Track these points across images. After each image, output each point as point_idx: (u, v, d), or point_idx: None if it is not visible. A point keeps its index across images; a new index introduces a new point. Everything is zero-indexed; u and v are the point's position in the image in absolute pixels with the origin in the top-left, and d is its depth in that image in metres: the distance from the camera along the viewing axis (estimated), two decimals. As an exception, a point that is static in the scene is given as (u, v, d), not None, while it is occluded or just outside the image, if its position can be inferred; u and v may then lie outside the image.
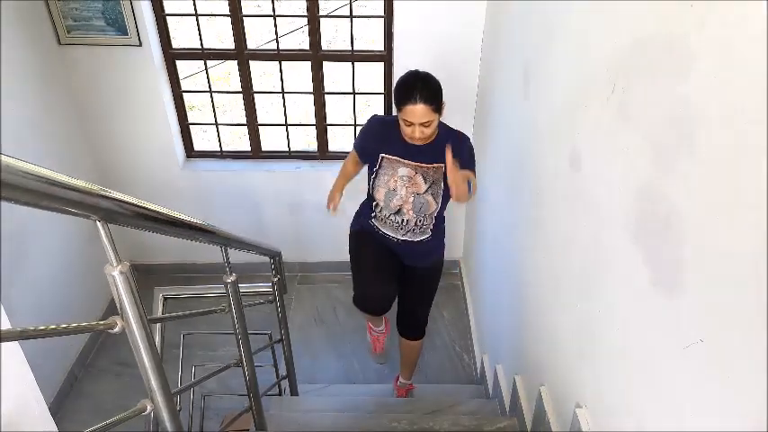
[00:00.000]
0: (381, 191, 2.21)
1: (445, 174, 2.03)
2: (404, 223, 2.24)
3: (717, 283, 0.82)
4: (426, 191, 2.17)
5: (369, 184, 2.28)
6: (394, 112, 2.07)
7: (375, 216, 2.30)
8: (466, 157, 2.10)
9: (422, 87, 1.93)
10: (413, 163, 2.14)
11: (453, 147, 1.96)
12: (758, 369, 0.71)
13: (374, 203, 2.28)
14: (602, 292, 1.27)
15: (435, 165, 2.14)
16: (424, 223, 2.25)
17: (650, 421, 1.05)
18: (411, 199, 2.18)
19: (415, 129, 1.98)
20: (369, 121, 2.26)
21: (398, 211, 2.22)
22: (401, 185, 2.17)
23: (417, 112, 1.92)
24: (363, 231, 2.39)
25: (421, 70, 2.02)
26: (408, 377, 2.86)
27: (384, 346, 3.07)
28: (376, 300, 2.33)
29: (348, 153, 2.43)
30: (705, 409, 0.86)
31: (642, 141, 1.04)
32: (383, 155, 2.16)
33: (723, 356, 0.81)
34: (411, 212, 2.21)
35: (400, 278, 2.41)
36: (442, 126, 2.14)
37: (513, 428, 2.15)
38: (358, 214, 2.45)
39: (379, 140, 2.18)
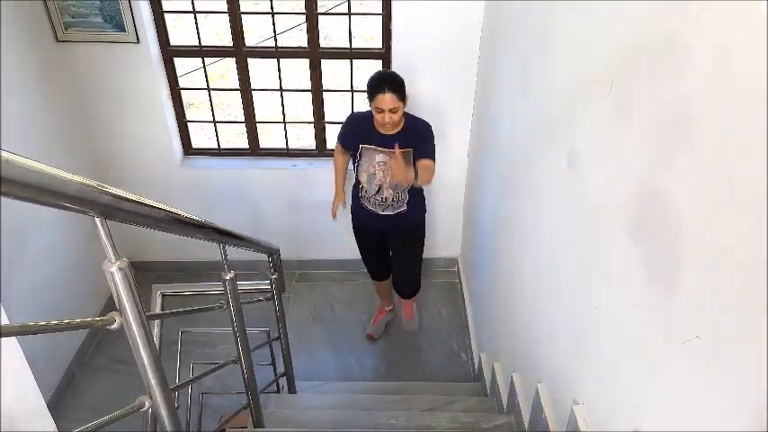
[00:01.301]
0: (364, 175, 2.70)
1: (413, 157, 2.56)
2: (383, 201, 2.73)
3: (714, 282, 0.82)
4: None
5: (354, 171, 2.76)
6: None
7: (362, 197, 2.78)
8: (425, 138, 2.60)
9: (389, 80, 2.43)
10: (387, 149, 2.57)
11: (417, 133, 2.57)
12: (757, 368, 0.72)
13: (360, 186, 2.76)
14: (600, 290, 1.28)
15: (404, 150, 2.55)
16: (400, 198, 2.73)
17: (647, 419, 1.05)
18: (387, 179, 2.65)
19: (385, 115, 2.44)
20: (348, 117, 2.78)
21: (378, 190, 2.71)
22: (379, 169, 2.65)
23: (387, 99, 2.40)
24: (359, 227, 2.96)
25: (387, 69, 2.62)
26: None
27: (382, 324, 3.43)
28: (377, 274, 3.19)
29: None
30: (703, 408, 0.87)
31: (640, 140, 1.05)
32: (362, 145, 2.63)
33: (721, 355, 0.81)
34: (389, 190, 2.70)
35: (390, 246, 3.02)
36: (407, 116, 2.59)
37: (511, 426, 2.15)
38: (352, 200, 2.90)
39: (358, 132, 2.65)
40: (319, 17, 2.99)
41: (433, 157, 2.61)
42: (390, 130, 2.55)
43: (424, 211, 2.94)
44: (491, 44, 2.71)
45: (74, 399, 3.01)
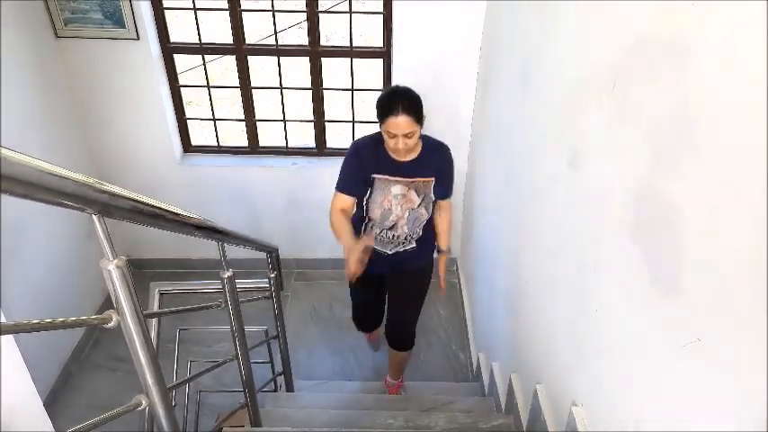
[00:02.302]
0: (377, 211, 2.24)
1: (434, 185, 2.20)
2: (395, 238, 2.30)
3: (715, 283, 0.82)
4: (420, 204, 2.23)
5: (363, 205, 2.26)
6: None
7: (367, 234, 2.31)
8: (446, 168, 2.25)
9: (403, 99, 1.99)
10: (405, 179, 2.17)
11: (438, 159, 2.17)
12: (757, 369, 0.71)
13: (366, 222, 2.31)
14: (600, 291, 1.27)
15: (425, 178, 2.19)
16: (414, 233, 2.31)
17: (647, 421, 1.05)
18: (406, 215, 2.24)
19: (398, 140, 2.03)
20: (353, 148, 2.23)
21: (393, 227, 2.28)
22: (396, 204, 2.21)
23: (400, 123, 1.99)
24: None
25: (401, 85, 2.08)
26: (396, 377, 2.89)
27: (379, 339, 3.18)
28: (365, 325, 2.88)
29: (345, 151, 2.30)
30: (703, 409, 0.86)
31: (641, 141, 1.04)
32: (375, 175, 2.17)
33: (722, 356, 0.81)
34: (405, 227, 2.27)
35: (387, 287, 2.58)
36: (424, 138, 2.19)
37: (509, 426, 2.15)
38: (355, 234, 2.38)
39: (368, 163, 2.17)
40: (320, 15, 2.99)
41: (451, 193, 2.30)
42: (405, 157, 2.14)
43: (433, 249, 2.49)
44: (492, 43, 2.70)
45: (71, 397, 3.01)
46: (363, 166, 2.17)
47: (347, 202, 2.24)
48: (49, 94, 2.94)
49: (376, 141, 2.15)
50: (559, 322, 1.57)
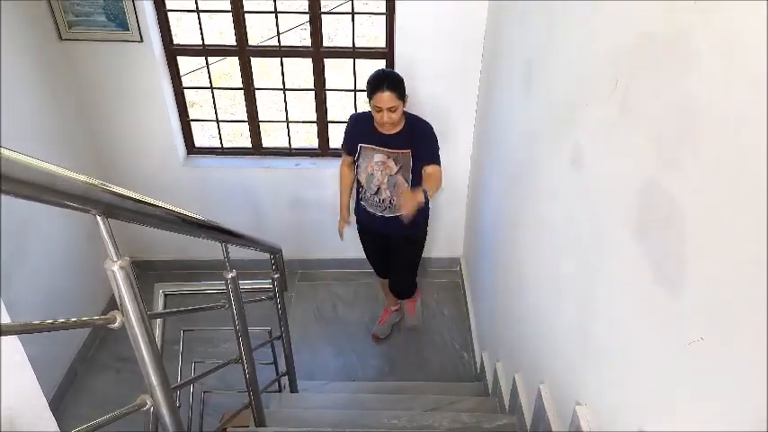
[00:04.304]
0: (363, 175, 2.68)
1: (412, 159, 2.56)
2: (382, 202, 2.70)
3: (719, 281, 0.81)
4: (397, 172, 2.61)
5: (355, 169, 2.73)
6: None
7: (362, 198, 2.77)
8: (423, 141, 2.57)
9: (387, 78, 2.41)
10: (385, 149, 2.57)
11: (416, 134, 2.55)
12: (760, 368, 0.71)
13: (360, 187, 2.75)
14: (604, 290, 1.27)
15: (403, 150, 2.57)
16: (396, 201, 2.67)
17: (651, 420, 1.05)
18: (386, 179, 2.63)
19: (383, 114, 2.41)
20: (349, 118, 2.75)
21: (377, 191, 2.68)
22: (377, 169, 2.62)
23: (385, 98, 2.38)
24: (361, 226, 2.97)
25: (386, 68, 2.58)
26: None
27: (387, 324, 3.42)
28: (379, 272, 3.20)
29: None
30: (706, 408, 0.86)
31: (645, 138, 1.04)
32: (361, 144, 2.61)
33: (725, 355, 0.81)
34: (387, 191, 2.66)
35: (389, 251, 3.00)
36: (408, 116, 2.57)
37: (513, 426, 2.15)
38: (355, 202, 2.89)
39: (357, 132, 2.64)
40: (323, 17, 2.99)
41: (438, 162, 2.58)
42: (390, 130, 2.54)
43: (426, 216, 2.86)
44: (494, 43, 2.70)
45: (76, 397, 3.02)
46: (356, 132, 2.64)
47: (348, 159, 2.77)
48: (53, 96, 2.95)
49: (368, 116, 2.56)
50: (563, 321, 1.57)
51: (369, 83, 2.43)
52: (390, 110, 2.40)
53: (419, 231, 2.88)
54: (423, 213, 2.77)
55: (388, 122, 2.45)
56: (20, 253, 2.65)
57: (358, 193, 2.80)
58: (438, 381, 3.14)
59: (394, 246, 2.94)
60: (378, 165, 2.60)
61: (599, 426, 1.30)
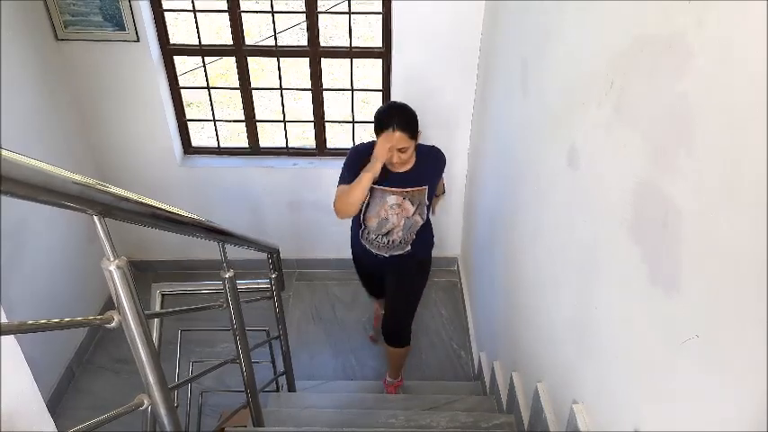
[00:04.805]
0: (374, 220, 2.36)
1: (428, 192, 2.31)
2: (390, 243, 2.42)
3: (715, 281, 0.82)
4: (414, 212, 2.35)
5: (360, 215, 2.36)
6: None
7: (364, 238, 2.46)
8: (439, 174, 2.37)
9: (398, 116, 2.10)
10: (399, 189, 2.27)
11: (431, 167, 2.29)
12: (757, 367, 0.71)
13: (363, 228, 2.43)
14: (601, 290, 1.28)
15: (419, 188, 2.29)
16: (408, 238, 2.42)
17: (648, 418, 1.05)
18: (402, 222, 2.35)
19: (393, 154, 2.13)
20: (353, 151, 2.32)
21: (387, 233, 2.39)
22: (392, 213, 2.33)
23: (395, 138, 2.09)
24: (356, 255, 2.66)
25: (398, 101, 2.20)
26: (395, 376, 2.90)
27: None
28: (374, 295, 3.01)
29: (345, 151, 2.50)
30: (703, 407, 0.87)
31: (640, 139, 1.05)
32: (372, 186, 2.22)
33: (722, 355, 0.81)
34: (400, 233, 2.39)
35: (386, 284, 2.67)
36: (418, 147, 2.25)
37: (510, 425, 2.15)
38: (351, 238, 2.59)
39: (363, 167, 2.21)
40: (320, 16, 2.99)
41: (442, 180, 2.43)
42: (399, 169, 2.25)
43: (432, 246, 2.60)
44: (491, 43, 2.70)
45: (74, 397, 3.01)
46: (361, 167, 2.21)
47: None
48: (50, 96, 2.94)
49: (373, 148, 2.20)
50: (560, 321, 1.58)
51: (377, 118, 2.15)
52: (401, 150, 2.13)
53: (424, 260, 2.59)
54: (427, 242, 2.56)
55: (398, 163, 2.19)
56: (17, 253, 2.64)
57: (357, 232, 2.49)
58: (436, 380, 3.14)
59: (394, 282, 2.59)
60: (393, 208, 2.30)
61: (596, 424, 1.31)
